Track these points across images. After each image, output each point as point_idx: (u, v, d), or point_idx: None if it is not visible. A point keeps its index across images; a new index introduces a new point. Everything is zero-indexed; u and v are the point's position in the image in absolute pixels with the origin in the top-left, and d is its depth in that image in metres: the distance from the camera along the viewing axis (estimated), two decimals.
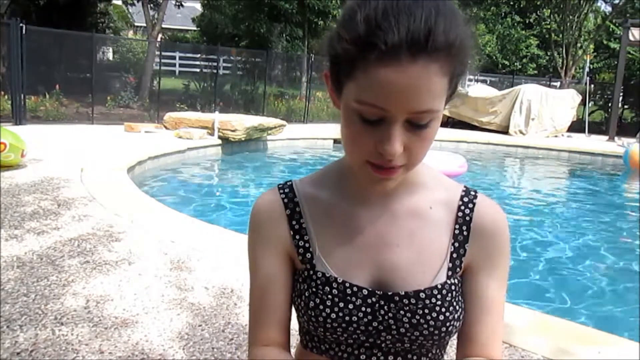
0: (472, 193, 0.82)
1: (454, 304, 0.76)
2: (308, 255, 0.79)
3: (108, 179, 5.53)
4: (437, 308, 0.75)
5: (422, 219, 0.79)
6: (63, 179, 5.38)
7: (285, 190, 0.82)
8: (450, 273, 0.78)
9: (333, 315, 0.75)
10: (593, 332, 2.65)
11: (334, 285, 0.76)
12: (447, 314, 0.75)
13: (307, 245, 0.79)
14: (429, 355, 0.80)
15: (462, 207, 0.80)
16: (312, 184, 0.83)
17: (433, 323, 0.74)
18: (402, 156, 0.66)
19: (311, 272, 0.78)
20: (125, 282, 2.94)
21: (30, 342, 2.24)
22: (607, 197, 8.32)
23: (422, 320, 0.74)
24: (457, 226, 0.79)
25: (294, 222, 0.80)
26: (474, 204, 0.80)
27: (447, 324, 0.75)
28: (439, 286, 0.76)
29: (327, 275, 0.77)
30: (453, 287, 0.77)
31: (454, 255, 0.78)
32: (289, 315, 0.82)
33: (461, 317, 0.78)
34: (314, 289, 0.77)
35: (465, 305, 0.79)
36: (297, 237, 0.80)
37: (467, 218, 0.79)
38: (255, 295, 0.82)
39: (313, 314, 0.76)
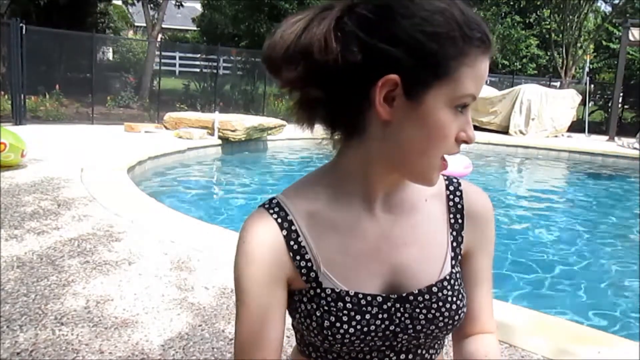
0: (455, 181, 0.84)
1: (461, 290, 0.79)
2: (312, 274, 0.74)
3: (108, 179, 5.53)
4: (450, 299, 0.76)
5: (421, 213, 0.79)
6: (63, 179, 5.38)
7: (275, 210, 0.75)
8: (453, 262, 0.79)
9: (351, 330, 0.73)
10: (593, 332, 2.65)
11: (347, 299, 0.73)
12: (458, 302, 0.77)
13: (309, 264, 0.74)
14: (435, 345, 0.81)
15: (451, 197, 0.82)
16: (300, 197, 0.77)
17: (447, 314, 0.76)
18: None
19: (318, 290, 0.74)
20: (126, 282, 2.94)
21: (30, 342, 2.24)
22: (607, 197, 8.32)
23: (437, 314, 0.75)
24: (451, 215, 0.81)
25: (292, 243, 0.74)
26: (461, 192, 0.82)
27: (459, 311, 0.77)
28: (447, 277, 0.77)
29: (337, 290, 0.74)
30: (458, 275, 0.79)
31: (454, 244, 0.80)
32: (282, 345, 0.77)
33: (466, 300, 0.80)
34: (325, 307, 0.73)
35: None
36: (298, 257, 0.74)
37: (459, 206, 0.81)
38: (249, 327, 0.74)
39: (330, 333, 0.73)
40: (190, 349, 2.29)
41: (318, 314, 0.73)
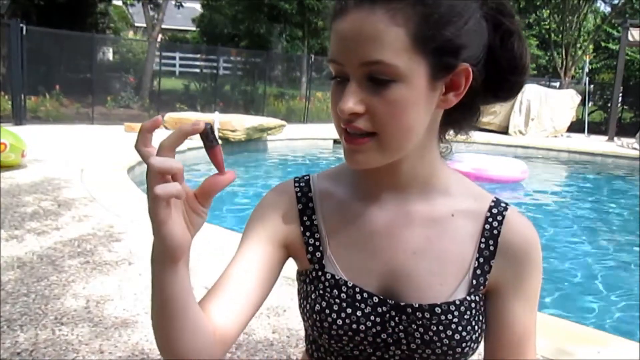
0: (503, 205, 0.75)
1: (473, 323, 0.70)
2: (318, 254, 0.74)
3: (108, 179, 5.53)
4: (453, 326, 0.69)
5: (442, 227, 0.72)
6: (63, 179, 5.38)
7: (301, 184, 0.78)
8: (472, 290, 0.71)
9: (339, 322, 0.70)
10: (593, 332, 2.65)
11: (343, 289, 0.71)
12: (464, 333, 0.69)
13: (317, 243, 0.74)
14: None
15: (490, 219, 0.73)
16: (328, 179, 0.79)
17: (447, 342, 0.69)
18: (365, 120, 0.62)
19: (319, 273, 0.73)
20: (126, 282, 2.94)
21: (31, 342, 2.24)
22: (606, 196, 8.33)
23: (435, 338, 0.69)
24: (483, 239, 0.72)
25: (305, 218, 0.75)
26: (503, 217, 0.73)
27: (463, 344, 0.69)
28: (457, 302, 0.70)
29: (337, 277, 0.72)
30: (473, 305, 0.71)
31: (478, 271, 0.72)
32: (247, 311, 0.71)
33: (480, 339, 0.72)
34: (321, 291, 0.72)
35: (490, 329, 0.73)
36: (308, 234, 0.75)
37: (495, 232, 0.72)
38: (227, 270, 0.72)
39: (318, 318, 0.71)
40: None
41: (313, 297, 0.73)
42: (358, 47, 0.60)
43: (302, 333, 2.41)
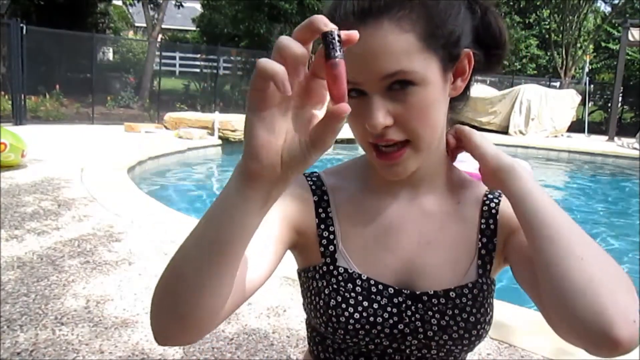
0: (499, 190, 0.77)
1: (485, 305, 0.73)
2: (330, 247, 0.73)
3: (108, 179, 5.53)
4: (468, 308, 0.71)
5: (452, 215, 0.75)
6: (63, 179, 5.38)
7: (313, 178, 0.77)
8: (481, 271, 0.74)
9: (356, 315, 0.69)
10: None
11: (358, 282, 0.71)
12: (478, 315, 0.71)
13: (331, 236, 0.73)
14: None
15: (488, 202, 0.76)
16: (336, 175, 0.78)
17: (463, 325, 0.71)
18: (396, 130, 0.63)
19: (332, 267, 0.72)
20: (126, 282, 2.94)
21: (31, 342, 2.24)
22: (606, 196, 8.33)
23: (451, 322, 0.71)
24: (483, 220, 0.75)
25: (320, 210, 0.74)
26: (499, 200, 0.77)
27: (478, 326, 0.71)
28: (470, 285, 0.72)
29: (350, 271, 0.72)
30: (484, 287, 0.73)
31: (483, 250, 0.74)
32: (254, 280, 0.63)
33: (491, 321, 0.74)
34: (334, 286, 0.71)
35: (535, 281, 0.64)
36: (322, 226, 0.74)
37: (493, 211, 0.76)
38: None
39: (334, 314, 0.70)
40: (190, 348, 2.29)
41: (326, 292, 0.71)
42: (374, 63, 0.60)
43: (302, 333, 2.41)
